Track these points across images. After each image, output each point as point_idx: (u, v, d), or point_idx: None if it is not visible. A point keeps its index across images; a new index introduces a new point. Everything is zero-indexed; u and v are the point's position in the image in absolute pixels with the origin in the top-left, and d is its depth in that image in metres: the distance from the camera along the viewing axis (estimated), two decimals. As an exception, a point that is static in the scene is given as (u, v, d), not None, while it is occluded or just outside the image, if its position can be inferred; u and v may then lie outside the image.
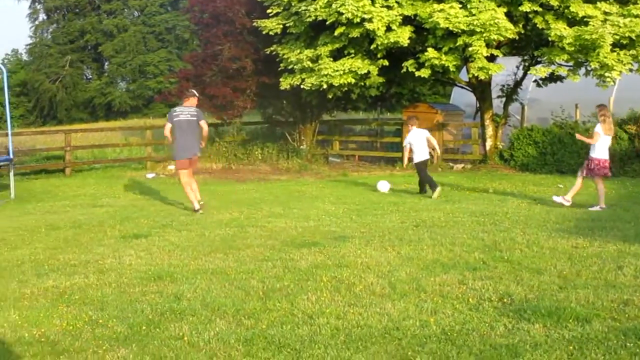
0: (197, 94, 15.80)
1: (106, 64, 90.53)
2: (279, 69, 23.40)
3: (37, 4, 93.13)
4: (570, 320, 6.60)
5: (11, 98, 23.02)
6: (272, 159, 25.60)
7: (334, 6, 20.50)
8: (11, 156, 19.56)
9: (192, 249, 10.71)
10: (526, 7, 19.77)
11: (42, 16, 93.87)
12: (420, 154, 16.91)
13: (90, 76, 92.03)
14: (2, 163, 19.04)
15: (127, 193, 19.16)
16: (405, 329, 6.54)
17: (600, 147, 14.03)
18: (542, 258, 9.23)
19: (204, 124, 15.24)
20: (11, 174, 19.27)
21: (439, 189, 16.36)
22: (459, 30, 19.77)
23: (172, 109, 15.84)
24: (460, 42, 19.99)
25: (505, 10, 20.06)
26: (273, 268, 9.15)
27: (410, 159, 17.13)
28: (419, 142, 16.95)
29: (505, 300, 7.35)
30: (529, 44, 22.85)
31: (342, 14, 20.38)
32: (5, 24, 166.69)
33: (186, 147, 15.19)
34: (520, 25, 20.87)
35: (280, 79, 23.44)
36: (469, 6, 20.00)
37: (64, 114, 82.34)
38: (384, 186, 16.68)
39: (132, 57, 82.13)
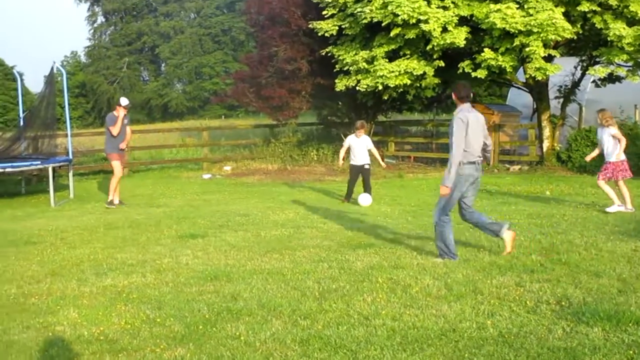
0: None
1: (163, 65, 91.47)
2: (334, 70, 23.40)
3: (95, 6, 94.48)
4: (630, 324, 6.51)
5: (70, 99, 23.32)
6: (327, 160, 25.64)
7: (389, 7, 20.45)
8: (70, 157, 19.84)
9: (248, 249, 10.77)
10: (584, 7, 19.53)
11: (100, 19, 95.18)
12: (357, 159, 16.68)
13: (147, 78, 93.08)
14: (61, 163, 19.30)
15: (184, 193, 19.31)
16: (462, 331, 6.51)
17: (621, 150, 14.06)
18: (600, 261, 9.12)
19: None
20: (70, 174, 19.55)
21: (347, 202, 16.53)
22: (516, 31, 19.60)
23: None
24: (517, 42, 19.82)
25: (563, 10, 19.84)
26: (329, 269, 9.17)
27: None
28: (359, 147, 16.60)
29: (563, 303, 7.27)
30: (587, 44, 22.54)
31: (398, 15, 20.33)
32: (64, 27, 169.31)
33: None
34: (578, 25, 20.60)
35: (336, 80, 23.44)
36: (526, 6, 19.82)
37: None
38: (365, 200, 16.32)
39: (189, 58, 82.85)
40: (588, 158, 15.55)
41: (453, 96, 10.12)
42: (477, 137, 9.83)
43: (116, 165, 17.37)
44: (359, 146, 16.44)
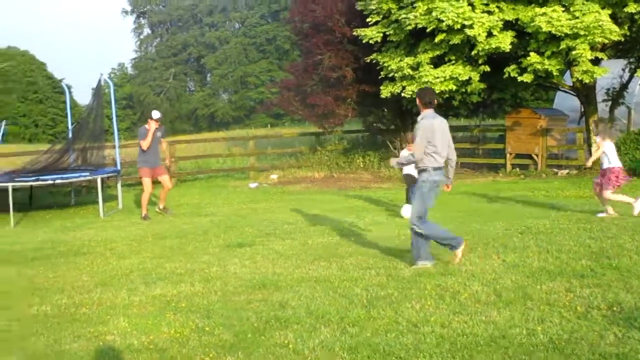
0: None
1: (208, 75, 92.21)
2: (379, 77, 23.37)
3: (141, 19, 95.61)
4: (683, 329, 6.42)
5: (118, 111, 23.67)
6: (373, 167, 25.60)
7: (434, 14, 20.41)
8: (119, 167, 20.03)
9: (295, 257, 10.80)
10: (631, 8, 19.32)
11: (146, 30, 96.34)
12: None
13: (193, 88, 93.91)
14: (110, 174, 19.50)
15: (231, 202, 19.38)
16: (512, 337, 6.47)
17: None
18: (652, 265, 9.00)
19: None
20: (119, 185, 19.75)
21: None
22: (562, 34, 19.44)
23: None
24: (563, 45, 19.66)
25: (609, 12, 19.64)
26: (377, 276, 9.16)
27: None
28: None
29: (614, 308, 7.19)
30: (635, 46, 22.30)
31: (443, 21, 20.28)
32: (111, 39, 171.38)
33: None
34: (626, 27, 20.37)
35: (381, 87, 23.41)
36: (572, 9, 19.65)
37: (169, 126, 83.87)
38: (407, 212, 15.07)
39: (234, 68, 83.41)
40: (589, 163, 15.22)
41: (417, 101, 10.16)
42: (444, 144, 9.93)
43: (145, 182, 17.22)
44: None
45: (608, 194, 13.69)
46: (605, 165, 13.85)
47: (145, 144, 17.17)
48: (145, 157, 17.22)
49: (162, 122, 17.55)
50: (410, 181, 15.22)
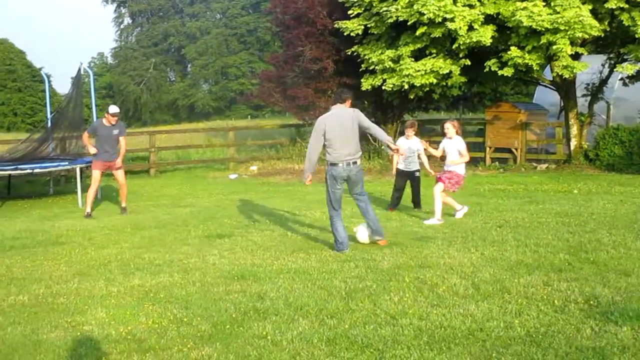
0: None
1: (189, 66, 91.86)
2: (360, 69, 23.40)
3: (122, 8, 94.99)
4: (660, 323, 6.47)
5: (97, 100, 23.63)
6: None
7: (415, 6, 20.42)
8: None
9: (274, 249, 10.80)
10: (612, 4, 19.38)
11: (127, 20, 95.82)
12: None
13: (174, 78, 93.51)
14: (89, 164, 19.41)
15: (210, 193, 19.36)
16: (489, 330, 6.49)
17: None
18: (629, 260, 9.06)
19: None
20: (98, 174, 19.65)
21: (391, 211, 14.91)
22: (543, 29, 19.50)
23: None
24: (544, 40, 19.72)
25: (590, 7, 19.72)
26: (355, 268, 9.18)
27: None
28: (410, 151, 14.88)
29: (591, 302, 7.23)
30: (615, 42, 22.39)
31: (424, 14, 20.30)
32: (91, 28, 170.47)
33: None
34: (606, 23, 20.47)
35: (362, 80, 23.43)
36: (552, 4, 19.70)
37: (148, 116, 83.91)
38: (362, 234, 11.81)
39: (215, 59, 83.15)
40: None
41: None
42: (341, 141, 10.47)
43: (94, 175, 16.36)
44: (410, 149, 14.68)
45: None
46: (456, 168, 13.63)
47: (85, 138, 16.94)
48: (100, 150, 16.35)
49: (119, 118, 16.73)
50: (403, 178, 15.16)
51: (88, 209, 15.79)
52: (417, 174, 15.02)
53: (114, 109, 16.50)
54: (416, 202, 15.05)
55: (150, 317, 7.37)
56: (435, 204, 13.12)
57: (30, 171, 18.15)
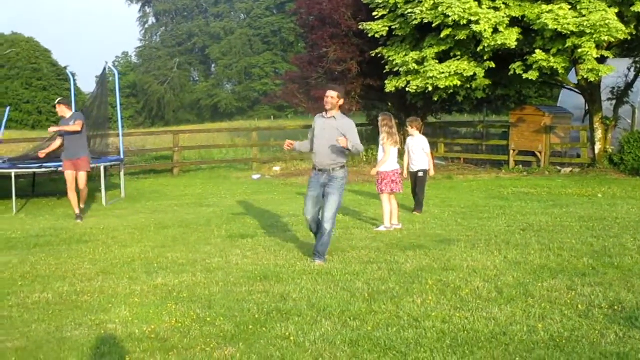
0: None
1: (213, 66, 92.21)
2: (384, 71, 23.38)
3: (147, 7, 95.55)
4: (684, 330, 6.43)
5: (121, 99, 23.71)
6: (376, 161, 25.52)
7: (440, 8, 20.39)
8: (122, 156, 20.05)
9: (297, 250, 10.81)
10: (638, 7, 19.27)
11: (151, 20, 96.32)
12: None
13: (197, 78, 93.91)
14: (113, 163, 19.52)
15: (233, 193, 19.40)
16: (513, 334, 6.47)
17: (391, 159, 13.05)
18: (654, 265, 9.01)
19: None
20: (122, 173, 19.77)
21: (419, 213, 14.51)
22: (568, 32, 19.42)
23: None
24: (569, 43, 19.64)
25: (616, 10, 19.61)
26: (378, 270, 9.16)
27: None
28: (414, 149, 14.75)
29: (616, 307, 7.19)
30: (641, 45, 22.28)
31: (449, 16, 20.27)
32: (116, 27, 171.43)
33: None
34: (632, 26, 20.33)
35: (386, 82, 23.41)
36: (578, 7, 19.64)
37: (172, 115, 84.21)
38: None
39: (238, 59, 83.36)
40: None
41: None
42: (320, 145, 10.18)
43: (66, 176, 15.77)
44: (414, 148, 14.60)
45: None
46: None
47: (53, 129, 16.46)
48: (66, 147, 15.87)
49: (69, 108, 16.03)
50: (411, 179, 14.86)
51: (76, 211, 15.41)
52: (421, 174, 14.73)
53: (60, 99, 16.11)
54: (416, 202, 14.80)
55: (174, 316, 7.40)
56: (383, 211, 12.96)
57: (55, 169, 18.25)
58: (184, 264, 9.99)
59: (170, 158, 26.24)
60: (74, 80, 26.31)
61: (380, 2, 22.62)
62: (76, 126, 15.24)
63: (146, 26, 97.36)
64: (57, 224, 14.51)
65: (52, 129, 16.43)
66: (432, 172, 14.81)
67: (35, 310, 7.84)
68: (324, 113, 10.29)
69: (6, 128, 23.19)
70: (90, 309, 7.81)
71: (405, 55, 22.37)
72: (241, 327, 6.98)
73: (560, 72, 20.85)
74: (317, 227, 10.15)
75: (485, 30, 20.16)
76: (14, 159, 19.30)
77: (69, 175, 15.60)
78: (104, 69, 21.15)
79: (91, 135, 20.42)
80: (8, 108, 26.98)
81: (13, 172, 17.24)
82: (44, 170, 18.13)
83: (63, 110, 15.72)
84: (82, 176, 15.60)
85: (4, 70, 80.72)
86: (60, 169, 18.11)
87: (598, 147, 22.79)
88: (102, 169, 18.20)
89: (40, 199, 19.06)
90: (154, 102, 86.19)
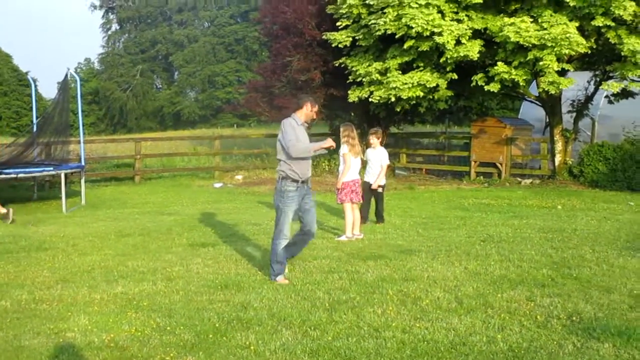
0: None
1: (176, 73, 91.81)
2: (348, 81, 23.44)
3: (110, 14, 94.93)
4: (641, 341, 6.51)
5: (83, 106, 23.40)
6: (339, 171, 25.57)
7: (403, 20, 20.47)
8: (83, 163, 19.91)
9: (258, 259, 10.80)
10: (599, 22, 19.49)
11: (115, 26, 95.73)
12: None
13: (160, 86, 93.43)
14: (74, 170, 19.38)
15: (195, 202, 19.34)
16: (472, 344, 6.52)
17: (352, 170, 13.04)
18: (611, 276, 9.11)
19: None
20: (82, 180, 19.63)
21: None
22: (530, 45, 19.60)
23: None
24: (530, 56, 19.82)
25: (577, 24, 19.82)
26: (339, 280, 9.18)
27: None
28: (373, 161, 14.36)
29: (574, 318, 7.27)
30: (601, 59, 22.48)
31: (412, 27, 20.36)
32: (79, 33, 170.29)
33: None
34: (592, 40, 20.57)
35: (349, 92, 23.46)
36: (540, 20, 19.84)
37: (134, 123, 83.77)
38: None
39: (202, 67, 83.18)
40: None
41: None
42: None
43: None
44: (373, 160, 14.24)
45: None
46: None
47: None
48: None
49: None
50: (367, 190, 14.23)
51: None
52: (380, 189, 14.35)
53: None
54: (378, 214, 14.55)
55: (133, 325, 7.36)
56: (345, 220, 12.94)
57: (15, 176, 18.11)
58: (145, 272, 9.93)
59: (132, 166, 26.10)
60: (35, 86, 26.10)
61: (344, 12, 22.68)
62: None
63: (109, 32, 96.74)
64: (16, 231, 14.35)
65: None
66: (377, 184, 14.39)
67: (-7, 318, 7.76)
68: (298, 120, 9.83)
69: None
70: (48, 317, 7.74)
71: (369, 65, 22.44)
72: (201, 336, 6.96)
73: (521, 84, 21.05)
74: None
75: (448, 42, 20.27)
76: (-26, 165, 19.10)
77: None
78: (66, 75, 21.00)
79: (51, 141, 20.32)
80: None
81: (-29, 178, 17.06)
82: (3, 176, 17.94)
83: None
84: None
85: (-36, 76, 79.86)
86: (20, 175, 17.99)
87: (558, 159, 23.01)
88: (62, 175, 18.06)
89: (-1, 205, 18.87)
90: (116, 109, 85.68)
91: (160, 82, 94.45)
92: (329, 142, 9.48)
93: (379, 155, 14.13)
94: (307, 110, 9.85)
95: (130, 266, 10.39)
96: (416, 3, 20.32)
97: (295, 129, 9.62)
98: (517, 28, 19.61)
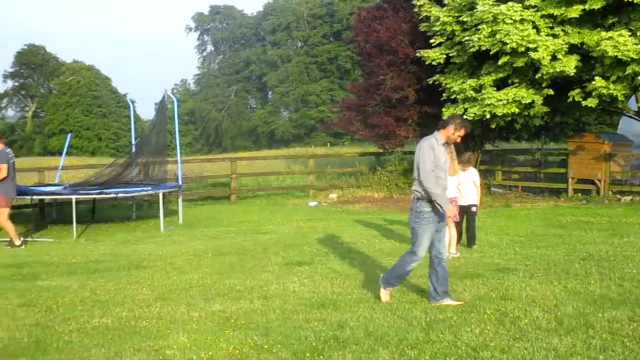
0: None
1: (270, 93, 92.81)
2: (442, 98, 23.31)
3: (205, 35, 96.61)
4: None
5: (180, 126, 23.78)
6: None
7: (498, 36, 20.30)
8: (180, 183, 20.23)
9: (354, 277, 10.80)
10: (700, 34, 19.03)
11: (209, 47, 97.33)
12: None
13: (255, 105, 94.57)
14: (171, 190, 19.69)
15: (290, 220, 19.42)
16: (573, 365, 6.38)
17: (450, 188, 12.53)
18: None
19: None
20: (180, 200, 19.94)
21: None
22: (628, 59, 19.20)
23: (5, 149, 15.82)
24: (629, 70, 19.41)
25: (678, 37, 19.38)
26: (436, 299, 9.10)
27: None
28: (465, 183, 13.98)
29: (679, 339, 7.07)
30: None
31: (507, 43, 20.17)
32: (175, 56, 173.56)
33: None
34: (694, 53, 20.08)
35: (443, 109, 23.29)
36: (638, 33, 19.44)
37: (229, 142, 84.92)
38: None
39: (295, 86, 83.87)
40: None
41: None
42: (446, 177, 9.39)
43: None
44: (465, 181, 13.87)
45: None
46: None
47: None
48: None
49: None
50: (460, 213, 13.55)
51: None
52: (473, 208, 14.09)
53: None
54: (469, 237, 14.16)
55: (231, 343, 7.42)
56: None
57: (115, 196, 18.50)
58: (241, 291, 10.03)
59: (227, 185, 26.39)
60: (134, 107, 26.66)
61: (438, 29, 22.59)
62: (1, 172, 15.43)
63: (204, 54, 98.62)
64: (116, 249, 14.67)
65: None
66: (478, 207, 14.30)
67: (95, 335, 7.92)
68: (439, 139, 9.22)
69: (67, 154, 23.56)
70: (148, 334, 7.87)
71: (463, 82, 22.30)
72: (298, 355, 6.97)
73: (620, 99, 20.61)
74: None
75: (543, 57, 20.02)
76: (75, 185, 19.58)
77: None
78: (163, 96, 21.42)
79: (150, 161, 20.70)
80: (69, 135, 27.48)
81: (74, 197, 17.49)
82: (103, 196, 18.37)
83: None
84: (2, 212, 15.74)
85: (65, 98, 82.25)
86: (120, 194, 18.38)
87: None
88: (160, 195, 18.37)
89: (99, 224, 19.30)
90: (212, 129, 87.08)
91: (255, 102, 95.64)
92: (453, 213, 9.21)
93: (470, 176, 13.97)
94: (449, 132, 9.26)
95: (227, 284, 10.51)
96: (511, 19, 20.13)
97: (435, 149, 9.07)
98: (615, 42, 19.23)
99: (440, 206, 8.91)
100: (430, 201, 8.93)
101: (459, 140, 9.39)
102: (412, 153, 28.41)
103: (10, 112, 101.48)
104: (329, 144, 69.00)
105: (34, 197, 18.61)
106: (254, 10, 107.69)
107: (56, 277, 11.52)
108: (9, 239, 15.75)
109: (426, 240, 9.07)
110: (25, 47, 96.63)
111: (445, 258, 9.30)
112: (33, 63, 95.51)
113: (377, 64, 25.69)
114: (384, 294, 9.20)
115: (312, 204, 24.08)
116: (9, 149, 15.96)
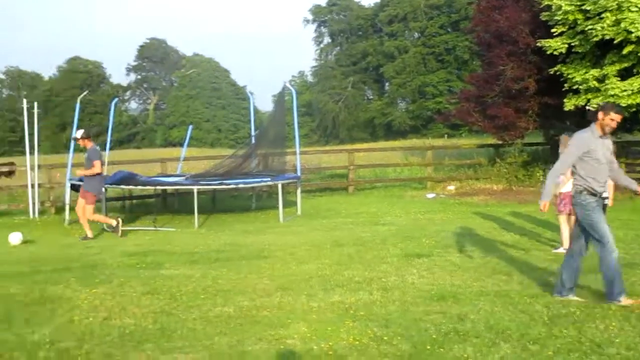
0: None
1: (386, 84, 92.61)
2: (563, 89, 22.83)
3: (322, 27, 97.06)
4: None
5: (298, 118, 23.80)
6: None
7: (622, 24, 19.76)
8: (299, 174, 20.41)
9: (473, 270, 10.70)
10: None
11: (326, 39, 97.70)
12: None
13: (371, 97, 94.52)
14: (290, 180, 19.88)
15: (408, 212, 19.34)
16: None
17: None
18: None
19: None
20: (298, 191, 20.14)
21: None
22: None
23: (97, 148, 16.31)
24: None
25: None
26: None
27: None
28: None
29: None
30: None
31: (631, 32, 19.62)
32: (293, 47, 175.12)
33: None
34: None
35: (564, 100, 22.83)
36: None
37: (346, 134, 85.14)
38: (14, 238, 15.23)
39: (412, 78, 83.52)
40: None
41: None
42: (605, 170, 9.16)
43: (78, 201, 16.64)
44: None
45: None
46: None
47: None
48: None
49: (86, 141, 16.36)
50: None
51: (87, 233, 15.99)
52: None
53: (78, 133, 16.43)
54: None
55: (351, 333, 7.46)
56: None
57: (235, 186, 18.80)
58: (360, 282, 10.06)
59: (345, 176, 26.49)
60: (252, 99, 27.02)
61: (559, 18, 22.13)
62: (95, 169, 15.92)
63: (321, 46, 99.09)
64: (237, 239, 14.91)
65: (79, 173, 17.13)
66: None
67: (217, 323, 8.08)
68: (595, 132, 9.03)
69: (188, 146, 24.07)
70: (269, 323, 7.98)
71: (585, 72, 21.77)
72: (418, 347, 6.97)
73: None
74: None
75: (671, 46, 19.42)
76: (196, 176, 20.01)
77: (79, 202, 16.39)
78: (283, 87, 21.66)
79: (269, 153, 20.97)
80: (190, 127, 28.05)
81: (195, 188, 17.86)
82: (224, 187, 18.69)
83: (85, 143, 16.32)
84: (81, 203, 16.18)
85: (185, 90, 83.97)
86: (240, 185, 18.67)
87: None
88: (279, 186, 18.56)
89: (219, 214, 19.65)
90: (329, 121, 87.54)
91: (371, 93, 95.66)
92: (545, 205, 9.02)
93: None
94: (600, 118, 8.99)
95: (346, 275, 10.56)
96: (636, 7, 19.57)
97: (588, 143, 8.96)
98: None
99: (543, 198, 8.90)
100: (592, 194, 8.82)
101: (613, 125, 8.94)
102: (532, 144, 28.07)
103: (133, 105, 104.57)
104: (446, 135, 68.44)
105: (158, 187, 19.08)
106: (370, 1, 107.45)
107: (179, 266, 11.81)
108: (112, 227, 16.30)
109: (603, 226, 8.81)
110: (147, 41, 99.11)
111: (585, 254, 9.09)
112: (155, 56, 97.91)
113: (496, 54, 25.34)
114: (624, 302, 8.44)
115: (430, 195, 23.95)
116: (98, 147, 16.60)
